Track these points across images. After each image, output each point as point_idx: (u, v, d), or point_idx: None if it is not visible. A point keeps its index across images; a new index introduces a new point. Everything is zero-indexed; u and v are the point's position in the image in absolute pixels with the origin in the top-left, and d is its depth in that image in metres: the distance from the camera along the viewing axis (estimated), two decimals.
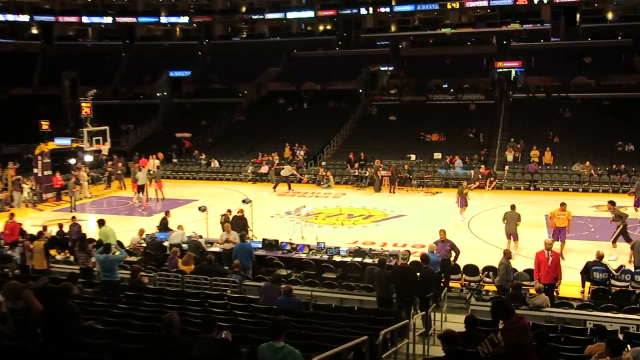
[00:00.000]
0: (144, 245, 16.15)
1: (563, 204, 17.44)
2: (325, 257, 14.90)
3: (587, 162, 29.36)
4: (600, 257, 13.39)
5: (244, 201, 19.03)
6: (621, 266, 13.29)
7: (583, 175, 28.99)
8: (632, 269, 13.45)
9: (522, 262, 15.43)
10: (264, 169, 32.52)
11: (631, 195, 23.00)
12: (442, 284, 13.48)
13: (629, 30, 43.08)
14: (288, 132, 37.36)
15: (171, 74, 50.48)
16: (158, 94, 48.49)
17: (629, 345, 8.90)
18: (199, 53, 52.53)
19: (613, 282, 13.21)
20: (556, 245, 16.12)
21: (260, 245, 15.49)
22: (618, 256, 16.01)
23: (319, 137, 36.66)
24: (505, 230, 17.28)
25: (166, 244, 15.80)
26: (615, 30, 44.12)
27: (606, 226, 20.99)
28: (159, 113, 44.99)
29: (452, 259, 14.02)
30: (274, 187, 29.82)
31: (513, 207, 17.43)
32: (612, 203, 17.59)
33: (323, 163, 33.72)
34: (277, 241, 15.64)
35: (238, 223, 16.95)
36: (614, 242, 16.66)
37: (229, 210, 18.30)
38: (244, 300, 11.08)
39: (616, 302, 11.76)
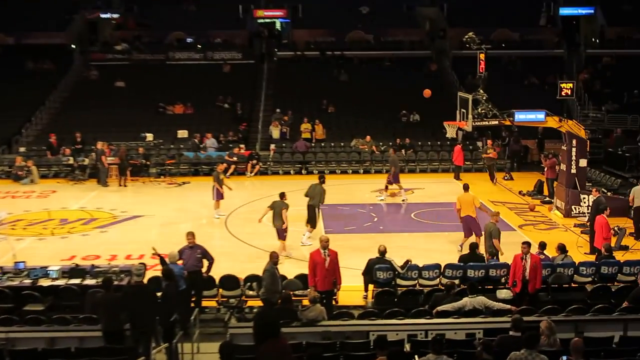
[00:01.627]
0: None
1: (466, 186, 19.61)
2: (27, 282, 14.02)
3: (368, 137, 32.01)
4: (382, 252, 14.61)
5: None
6: (407, 262, 14.65)
7: (363, 152, 31.56)
8: (419, 264, 14.94)
9: (296, 266, 16.25)
10: None
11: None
12: (191, 304, 13.50)
13: None
14: None
15: None
16: None
17: (416, 356, 9.89)
18: None
19: (399, 281, 14.53)
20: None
21: None
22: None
23: (14, 113, 34.49)
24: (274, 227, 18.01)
25: None
26: None
27: (391, 214, 23.21)
28: None
29: (204, 270, 14.10)
30: None
31: (282, 195, 18.16)
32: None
33: (21, 149, 31.80)
34: None
35: None
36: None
37: None
38: None
39: (402, 305, 12.92)
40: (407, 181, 28.02)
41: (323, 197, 19.70)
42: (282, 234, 17.87)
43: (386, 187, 25.48)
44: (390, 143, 32.55)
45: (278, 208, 17.85)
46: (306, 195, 19.60)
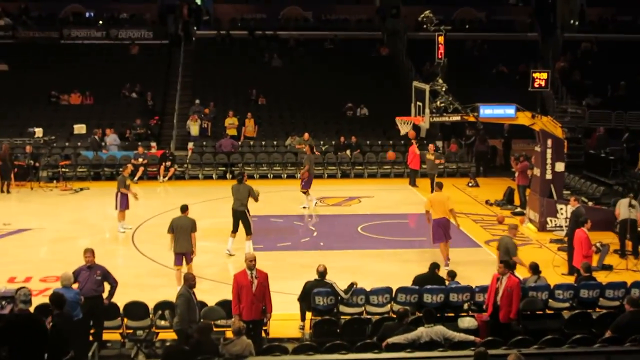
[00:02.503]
0: None
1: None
2: None
3: (306, 135, 32.04)
4: (322, 273, 14.65)
5: None
6: (352, 284, 14.72)
7: (301, 153, 31.56)
8: (366, 288, 15.01)
9: (216, 290, 16.19)
10: None
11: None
12: (89, 338, 13.29)
13: None
14: None
15: None
16: None
17: None
18: None
19: (342, 308, 14.58)
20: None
21: None
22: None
23: None
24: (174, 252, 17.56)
25: None
26: None
27: (334, 227, 23.29)
28: None
29: (105, 295, 13.92)
30: None
31: (184, 209, 17.67)
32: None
33: None
34: None
35: None
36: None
37: None
38: None
39: (346, 336, 12.93)
40: (353, 188, 28.27)
41: (255, 195, 19.52)
42: (190, 258, 17.24)
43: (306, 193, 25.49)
44: (333, 142, 32.76)
45: (184, 227, 17.18)
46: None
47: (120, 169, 23.99)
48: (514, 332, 13.14)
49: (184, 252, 17.00)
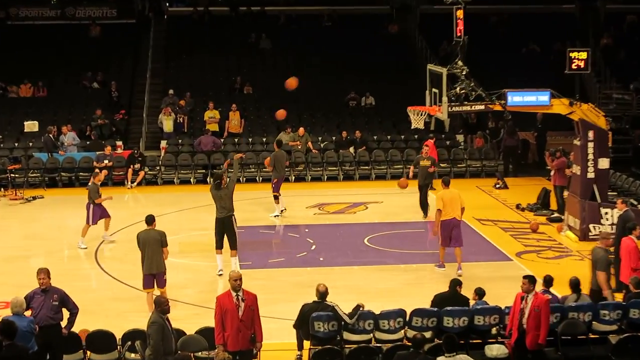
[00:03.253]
0: None
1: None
2: None
3: (301, 130, 32.00)
4: (322, 294, 14.57)
5: None
6: (358, 307, 14.65)
7: (295, 151, 31.54)
8: (375, 311, 14.96)
9: (204, 316, 16.18)
10: None
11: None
12: None
13: None
14: None
15: None
16: None
17: None
18: None
19: (346, 335, 14.53)
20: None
21: None
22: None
23: None
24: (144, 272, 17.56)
25: None
26: None
27: (336, 239, 23.25)
28: None
29: (64, 324, 13.91)
30: None
31: (150, 220, 17.57)
32: None
33: None
34: None
35: None
36: None
37: None
38: None
39: None
40: (357, 192, 28.20)
41: (228, 200, 19.23)
42: (161, 280, 17.15)
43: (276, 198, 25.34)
44: (334, 138, 32.69)
45: (152, 242, 17.03)
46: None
47: (92, 176, 23.50)
48: None
49: (153, 273, 16.86)
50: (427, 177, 25.06)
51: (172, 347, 12.99)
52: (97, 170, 24.86)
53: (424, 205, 24.96)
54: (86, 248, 22.04)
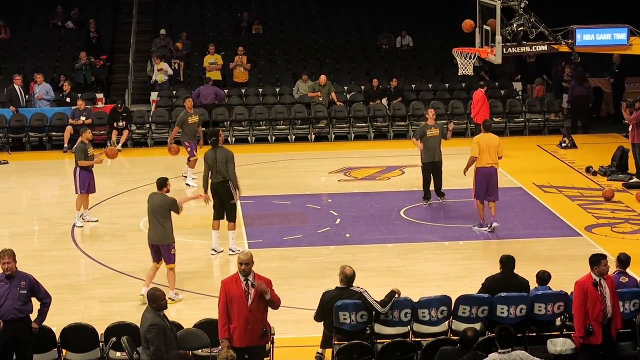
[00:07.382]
0: None
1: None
2: None
3: (322, 77, 31.81)
4: (349, 279, 14.51)
5: None
6: (392, 293, 14.60)
7: (315, 103, 31.50)
8: (413, 298, 14.93)
9: (206, 305, 16.18)
10: None
11: None
12: None
13: None
14: None
15: None
16: None
17: None
18: None
19: (378, 327, 14.53)
20: None
21: None
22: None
23: None
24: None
25: None
26: None
27: (365, 211, 23.22)
28: None
29: (33, 316, 13.99)
30: None
31: (163, 184, 17.75)
32: None
33: None
34: None
35: None
36: None
37: None
38: None
39: None
40: (393, 153, 28.13)
41: (231, 168, 19.34)
42: (168, 255, 17.43)
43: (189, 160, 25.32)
44: (363, 88, 32.59)
45: (157, 208, 17.41)
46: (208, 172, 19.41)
47: (79, 134, 23.33)
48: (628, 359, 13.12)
49: (155, 244, 17.15)
50: (435, 152, 23.03)
51: (175, 347, 12.93)
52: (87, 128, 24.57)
53: (438, 188, 23.53)
54: (85, 223, 22.07)
